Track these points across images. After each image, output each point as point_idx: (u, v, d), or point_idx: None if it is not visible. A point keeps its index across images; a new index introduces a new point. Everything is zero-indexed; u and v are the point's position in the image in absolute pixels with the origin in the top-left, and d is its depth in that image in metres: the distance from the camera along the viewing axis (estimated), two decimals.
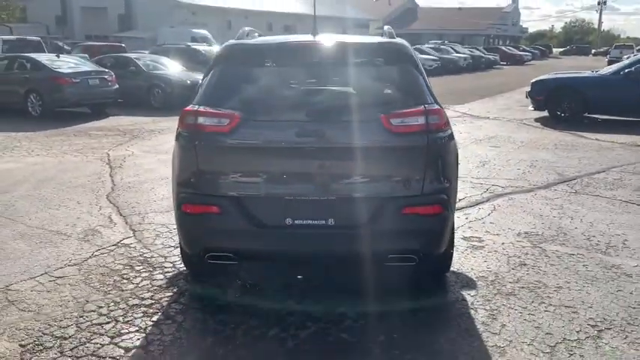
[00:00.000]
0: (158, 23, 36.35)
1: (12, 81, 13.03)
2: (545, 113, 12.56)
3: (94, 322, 3.37)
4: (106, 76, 13.26)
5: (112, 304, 3.60)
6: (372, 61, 3.49)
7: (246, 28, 3.85)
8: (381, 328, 3.34)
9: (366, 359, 3.07)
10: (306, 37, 3.64)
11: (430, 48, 34.31)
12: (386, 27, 4.00)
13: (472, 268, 4.21)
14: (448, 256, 3.85)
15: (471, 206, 5.83)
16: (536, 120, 12.36)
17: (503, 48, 48.73)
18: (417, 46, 34.41)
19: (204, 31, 33.94)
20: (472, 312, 3.55)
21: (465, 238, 4.85)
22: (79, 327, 3.31)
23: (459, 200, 5.96)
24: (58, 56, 13.53)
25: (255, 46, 3.53)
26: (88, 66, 13.61)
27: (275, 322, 3.39)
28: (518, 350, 3.11)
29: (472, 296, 3.76)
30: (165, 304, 3.61)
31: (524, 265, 4.28)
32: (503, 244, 4.73)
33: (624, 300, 3.70)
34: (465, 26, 64.46)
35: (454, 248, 4.08)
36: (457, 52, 35.36)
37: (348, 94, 3.47)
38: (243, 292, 3.87)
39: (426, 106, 3.24)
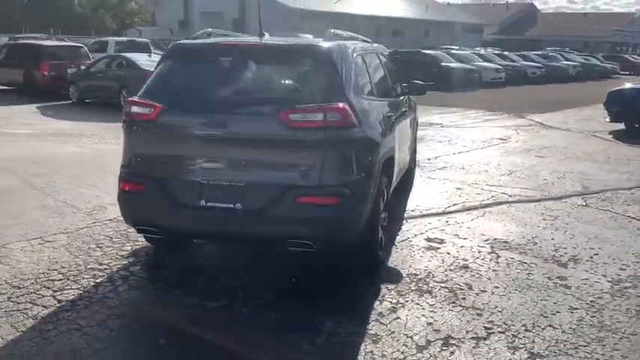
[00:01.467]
0: (268, 28, 38.10)
1: (109, 77, 14.58)
2: (622, 126, 11.80)
3: (49, 278, 3.98)
4: None
5: (74, 265, 4.21)
6: (294, 62, 3.78)
7: (209, 29, 4.29)
8: (283, 307, 3.62)
9: (253, 331, 3.37)
10: (246, 39, 4.00)
11: (536, 55, 32.74)
12: (331, 30, 4.25)
13: (410, 266, 4.33)
14: (370, 249, 4.01)
15: (461, 211, 5.83)
16: (610, 133, 11.63)
17: (625, 56, 45.10)
18: (523, 52, 33.03)
19: (308, 36, 35.04)
20: (377, 303, 3.71)
21: (428, 239, 4.93)
22: (35, 281, 3.93)
23: (454, 204, 6.02)
24: (150, 56, 14.91)
25: (193, 46, 3.97)
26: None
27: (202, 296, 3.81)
28: (394, 340, 3.25)
29: (388, 289, 3.90)
30: (115, 270, 4.16)
31: (466, 268, 4.32)
32: (462, 247, 4.76)
33: (541, 309, 3.66)
34: (589, 33, 60.35)
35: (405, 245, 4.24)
36: (567, 60, 33.40)
37: (259, 91, 3.77)
38: (189, 270, 4.32)
39: (328, 104, 3.47)
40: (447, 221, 5.47)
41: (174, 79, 3.84)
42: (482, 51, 33.52)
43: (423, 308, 3.64)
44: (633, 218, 5.67)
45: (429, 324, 3.45)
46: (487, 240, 4.94)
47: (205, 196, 3.58)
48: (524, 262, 4.43)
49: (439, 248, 4.73)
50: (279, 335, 3.32)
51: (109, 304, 3.63)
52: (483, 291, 3.92)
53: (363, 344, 3.22)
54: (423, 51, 25.33)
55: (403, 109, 5.47)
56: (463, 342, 3.25)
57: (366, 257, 4.06)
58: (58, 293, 3.76)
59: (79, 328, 3.33)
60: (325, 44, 3.92)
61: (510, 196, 6.47)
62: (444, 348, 3.18)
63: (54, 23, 39.72)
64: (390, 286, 3.96)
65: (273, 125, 3.42)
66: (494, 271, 4.27)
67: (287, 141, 3.46)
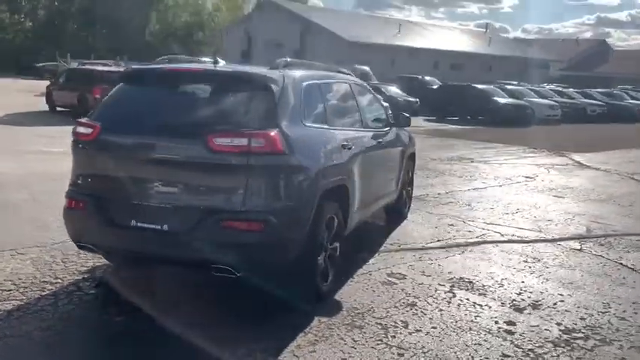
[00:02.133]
0: (326, 59, 38.78)
1: None
2: None
3: (1, 288, 4.17)
4: None
5: (30, 278, 4.36)
6: (232, 88, 3.84)
7: (170, 56, 4.46)
8: (205, 327, 3.60)
9: (164, 350, 3.38)
10: (196, 65, 4.11)
11: (599, 92, 31.48)
12: (283, 59, 4.32)
13: (356, 300, 4.23)
14: (307, 279, 3.95)
15: (440, 248, 5.65)
16: None
17: None
18: (585, 90, 31.86)
19: (365, 67, 35.33)
20: (301, 335, 3.63)
21: (390, 274, 4.80)
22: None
23: (437, 240, 5.85)
24: None
25: (142, 71, 4.14)
26: None
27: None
28: None
29: (320, 322, 3.82)
30: (65, 284, 4.29)
31: (413, 305, 4.17)
32: (420, 284, 4.60)
33: (469, 354, 3.47)
34: None
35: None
36: (633, 99, 31.90)
37: (192, 115, 3.83)
38: (131, 287, 4.41)
39: (253, 130, 3.50)
40: (420, 257, 5.31)
41: (119, 102, 4.00)
42: (546, 87, 32.67)
43: (345, 344, 3.54)
44: (624, 266, 5.30)
45: (342, 358, 3.35)
46: (451, 279, 4.76)
47: (136, 217, 3.67)
48: (478, 304, 4.23)
49: (396, 284, 4.60)
50: (188, 355, 3.31)
51: (42, 317, 3.75)
52: (418, 330, 3.77)
53: None
54: (473, 85, 24.93)
55: (380, 140, 5.41)
56: None
57: (303, 287, 4.00)
58: (1, 303, 3.93)
59: (2, 336, 3.46)
60: (265, 73, 3.97)
61: (502, 235, 6.21)
62: None
63: (127, 50, 42.22)
64: (323, 319, 3.87)
65: (199, 149, 3.48)
66: (440, 310, 4.10)
67: (212, 165, 3.51)
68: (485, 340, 3.66)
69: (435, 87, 28.03)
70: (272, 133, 3.53)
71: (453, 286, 4.60)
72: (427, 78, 32.03)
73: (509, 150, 14.78)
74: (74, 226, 3.92)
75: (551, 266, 5.21)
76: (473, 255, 5.46)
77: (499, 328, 3.85)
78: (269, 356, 3.34)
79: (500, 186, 9.44)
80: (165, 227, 3.61)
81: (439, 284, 4.63)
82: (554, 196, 8.69)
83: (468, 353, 3.48)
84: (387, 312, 4.04)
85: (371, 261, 5.13)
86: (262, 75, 3.89)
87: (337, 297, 4.27)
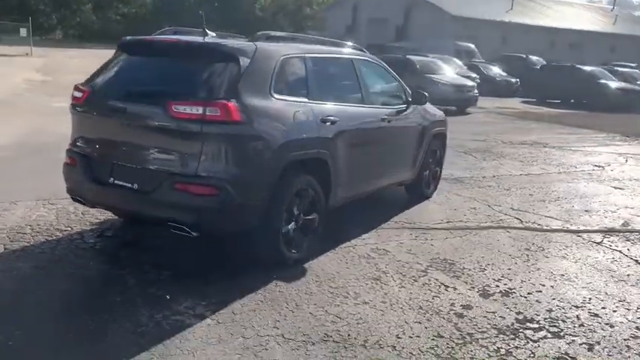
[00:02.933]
0: (430, 35, 37.80)
1: None
2: None
3: (19, 231, 4.76)
4: None
5: (47, 225, 4.95)
6: (204, 59, 4.03)
7: (168, 28, 4.76)
8: (162, 282, 3.93)
9: (122, 297, 3.75)
10: (172, 37, 4.37)
11: None
12: (262, 32, 4.42)
13: (324, 269, 4.32)
14: (270, 245, 4.12)
15: (444, 229, 5.56)
16: None
17: None
18: None
19: (469, 45, 34.00)
20: (251, 295, 3.82)
21: (375, 249, 4.84)
22: (7, 230, 4.74)
23: (446, 222, 5.77)
24: None
25: (133, 41, 4.46)
26: None
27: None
28: (227, 330, 3.40)
29: (277, 285, 3.99)
30: (72, 233, 4.82)
31: (376, 280, 4.20)
32: (398, 261, 4.60)
33: (402, 330, 3.49)
34: None
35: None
36: None
37: (162, 84, 4.07)
38: (124, 243, 4.84)
39: (210, 99, 3.71)
40: (416, 237, 5.28)
41: (108, 69, 4.36)
42: None
43: (287, 307, 3.69)
44: (638, 263, 4.92)
45: (277, 321, 3.52)
46: (433, 259, 4.71)
47: (114, 175, 4.04)
48: (445, 286, 4.19)
49: (374, 258, 4.64)
50: (134, 304, 3.63)
51: (38, 258, 4.26)
52: (365, 302, 3.83)
53: (196, 326, 3.41)
54: (577, 66, 23.21)
55: (386, 117, 5.38)
56: (288, 342, 3.28)
57: (268, 252, 4.19)
58: (11, 242, 4.51)
59: None
60: (234, 45, 4.14)
61: (522, 222, 5.96)
62: (262, 345, 3.25)
63: (236, 24, 43.87)
64: (281, 283, 4.04)
65: (161, 115, 3.74)
66: (401, 287, 4.12)
67: (171, 130, 3.77)
68: (428, 320, 3.65)
69: (537, 67, 26.43)
70: (228, 103, 3.71)
71: (430, 265, 4.56)
72: (533, 58, 30.25)
73: (596, 137, 13.77)
74: (68, 180, 4.38)
75: (552, 256, 4.97)
76: (475, 239, 5.33)
77: (451, 310, 3.81)
78: (207, 311, 3.59)
79: (559, 173, 8.91)
80: (136, 186, 3.94)
81: (418, 263, 4.61)
82: (614, 187, 8.07)
83: (402, 329, 3.50)
84: (347, 282, 4.13)
85: (364, 236, 5.18)
86: (230, 47, 4.07)
87: (307, 265, 4.41)
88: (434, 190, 6.84)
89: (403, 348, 3.29)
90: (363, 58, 5.42)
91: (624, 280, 4.53)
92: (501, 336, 3.50)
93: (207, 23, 4.64)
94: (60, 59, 25.81)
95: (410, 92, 5.97)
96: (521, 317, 3.77)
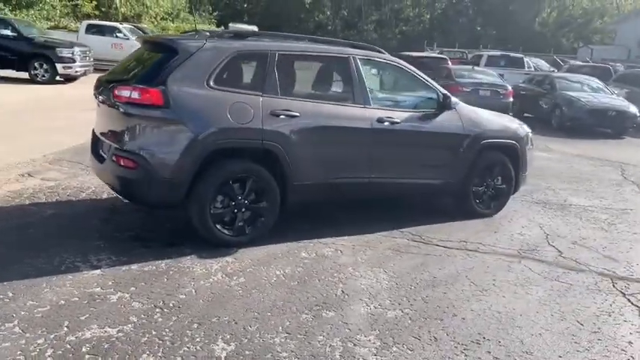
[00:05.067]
0: None
1: None
2: None
3: (44, 186, 6.09)
4: (499, 89, 14.34)
5: (62, 188, 6.15)
6: (159, 52, 4.69)
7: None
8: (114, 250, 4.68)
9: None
10: (160, 36, 5.05)
11: None
12: (231, 24, 4.75)
13: (256, 255, 4.52)
14: (201, 222, 4.51)
15: (443, 247, 5.05)
16: None
17: None
18: None
19: None
20: (162, 266, 4.27)
21: (329, 248, 4.79)
22: (38, 190, 6.06)
23: (457, 241, 5.30)
24: (473, 68, 15.43)
25: (140, 38, 5.32)
26: (487, 79, 14.92)
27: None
28: (137, 298, 3.99)
29: (200, 257, 4.39)
30: (78, 200, 5.94)
31: (303, 278, 4.23)
32: (336, 263, 4.49)
33: (259, 320, 3.57)
34: None
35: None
36: None
37: (128, 73, 4.79)
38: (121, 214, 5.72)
39: (137, 85, 4.33)
40: (398, 248, 4.95)
41: (121, 61, 5.33)
42: None
43: (193, 278, 4.05)
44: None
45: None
46: (375, 268, 4.43)
47: (103, 151, 4.94)
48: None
49: (325, 258, 4.61)
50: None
51: (44, 219, 5.21)
52: (261, 291, 3.95)
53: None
54: None
55: (386, 119, 5.14)
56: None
57: (201, 230, 4.57)
58: (30, 197, 5.67)
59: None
60: (181, 40, 4.67)
61: (555, 255, 4.98)
62: (150, 316, 3.74)
63: (512, 40, 42.24)
64: (211, 261, 4.38)
65: (111, 98, 4.53)
66: (309, 281, 4.08)
67: (114, 110, 4.53)
68: (294, 314, 3.62)
69: None
70: (151, 88, 4.28)
71: (367, 271, 4.35)
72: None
73: None
74: (90, 155, 5.44)
75: (501, 280, 4.14)
76: (460, 261, 4.75)
77: (318, 310, 3.68)
78: (118, 272, 4.11)
79: None
80: (107, 160, 4.77)
81: (353, 269, 4.42)
82: None
83: (257, 320, 3.58)
84: (255, 268, 4.28)
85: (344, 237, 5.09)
86: (177, 42, 4.59)
87: (244, 249, 4.63)
88: (497, 208, 6.10)
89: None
90: (366, 58, 5.26)
91: (543, 303, 3.58)
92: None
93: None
94: None
95: (443, 96, 5.57)
96: (407, 316, 3.42)
